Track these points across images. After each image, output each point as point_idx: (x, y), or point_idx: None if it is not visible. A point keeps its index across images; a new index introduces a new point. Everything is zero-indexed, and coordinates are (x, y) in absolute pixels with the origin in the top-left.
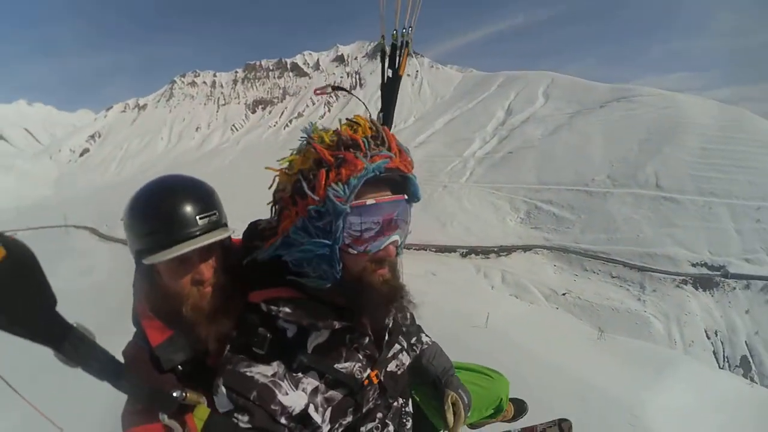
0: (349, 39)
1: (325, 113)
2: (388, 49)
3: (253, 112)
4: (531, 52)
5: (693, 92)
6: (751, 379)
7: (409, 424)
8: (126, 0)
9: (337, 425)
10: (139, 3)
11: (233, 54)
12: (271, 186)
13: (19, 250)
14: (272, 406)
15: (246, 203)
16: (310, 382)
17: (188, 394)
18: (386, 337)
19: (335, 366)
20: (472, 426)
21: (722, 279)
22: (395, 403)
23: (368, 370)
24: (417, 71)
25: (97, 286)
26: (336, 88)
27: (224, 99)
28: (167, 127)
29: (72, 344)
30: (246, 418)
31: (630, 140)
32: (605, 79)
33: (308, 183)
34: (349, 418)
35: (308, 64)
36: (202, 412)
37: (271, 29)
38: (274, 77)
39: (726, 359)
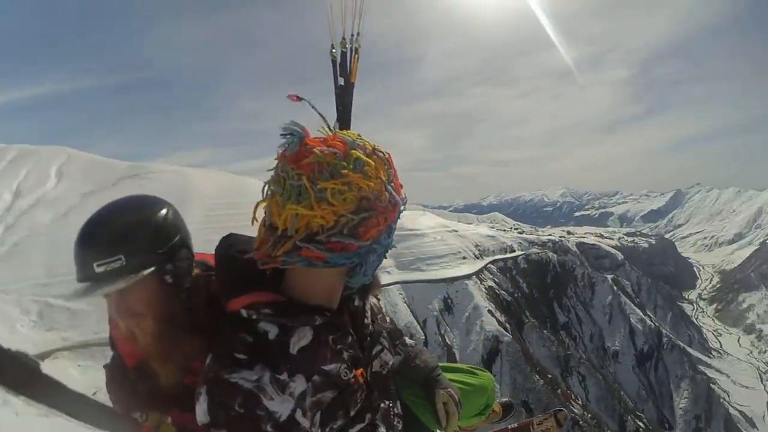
0: None
1: None
2: (338, 57)
3: None
4: (62, 125)
5: (212, 166)
6: None
7: (399, 426)
8: None
9: (327, 429)
10: None
11: None
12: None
13: None
14: (258, 412)
15: None
16: (296, 386)
17: (149, 416)
18: (368, 338)
19: (322, 367)
20: (464, 428)
21: None
22: (382, 405)
23: (353, 370)
24: None
25: None
26: (300, 98)
27: None
28: None
29: (12, 374)
30: (224, 430)
31: None
32: (134, 156)
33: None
34: (340, 422)
35: None
36: (167, 431)
37: None
38: None
39: None
